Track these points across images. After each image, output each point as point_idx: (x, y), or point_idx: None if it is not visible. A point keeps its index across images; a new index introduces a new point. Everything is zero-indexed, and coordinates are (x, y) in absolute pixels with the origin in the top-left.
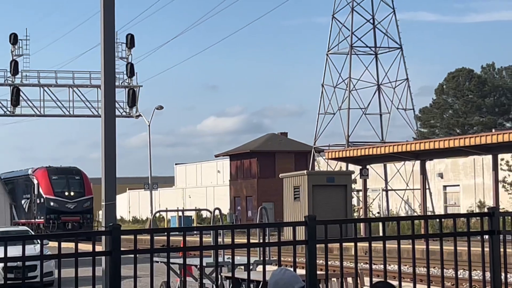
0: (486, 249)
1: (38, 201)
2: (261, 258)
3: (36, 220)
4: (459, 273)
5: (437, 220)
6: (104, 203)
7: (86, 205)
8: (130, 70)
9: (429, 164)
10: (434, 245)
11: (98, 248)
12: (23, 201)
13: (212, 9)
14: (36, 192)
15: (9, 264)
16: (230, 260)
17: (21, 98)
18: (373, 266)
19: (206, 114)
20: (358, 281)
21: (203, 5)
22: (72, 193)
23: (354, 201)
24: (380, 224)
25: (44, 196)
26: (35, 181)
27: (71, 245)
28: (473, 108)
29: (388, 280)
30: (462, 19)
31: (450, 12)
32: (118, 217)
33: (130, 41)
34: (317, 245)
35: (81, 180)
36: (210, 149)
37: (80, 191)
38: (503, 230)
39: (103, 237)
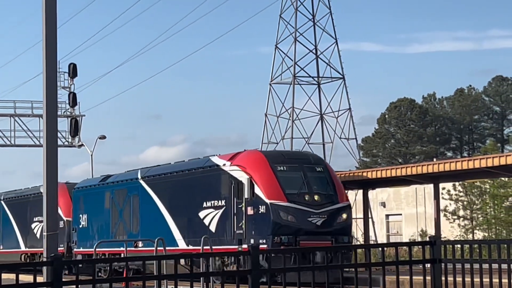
0: (428, 278)
1: (252, 211)
2: None
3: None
4: None
5: (379, 249)
6: (46, 233)
7: (341, 218)
8: (73, 100)
9: (371, 193)
10: (376, 275)
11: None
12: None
13: (155, 39)
14: (247, 195)
15: None
16: None
17: None
18: None
19: (148, 143)
20: None
21: (147, 35)
22: (316, 198)
23: None
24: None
25: (268, 201)
26: (244, 176)
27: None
28: (414, 137)
29: None
30: (405, 50)
31: (393, 43)
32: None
33: (73, 71)
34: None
35: (327, 174)
36: None
37: (329, 193)
38: (445, 258)
39: (44, 268)
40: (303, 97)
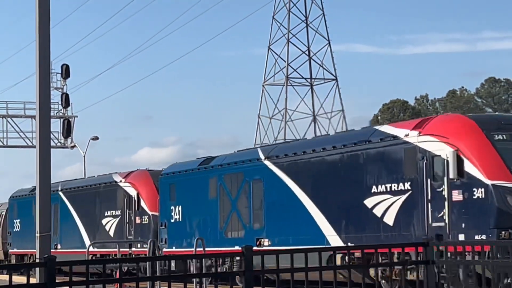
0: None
1: (460, 195)
2: None
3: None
4: None
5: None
6: (38, 234)
7: None
8: (65, 101)
9: None
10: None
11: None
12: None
13: (148, 40)
14: (454, 174)
15: None
16: None
17: None
18: None
19: (140, 144)
20: None
21: (139, 36)
22: None
23: None
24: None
25: (489, 182)
26: (444, 149)
27: None
28: None
29: None
30: (397, 51)
31: (386, 44)
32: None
33: (66, 71)
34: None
35: None
36: None
37: None
38: (437, 260)
39: (37, 269)
40: (296, 98)
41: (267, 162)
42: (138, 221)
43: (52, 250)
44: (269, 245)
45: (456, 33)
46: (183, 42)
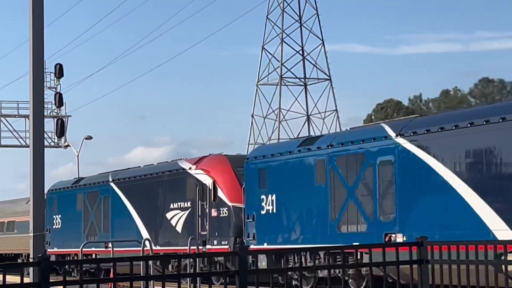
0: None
1: None
2: None
3: None
4: None
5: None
6: (32, 234)
7: None
8: (59, 100)
9: None
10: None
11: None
12: None
13: (142, 39)
14: None
15: None
16: None
17: None
18: None
19: (134, 144)
20: None
21: (133, 35)
22: None
23: None
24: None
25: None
26: None
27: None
28: None
29: None
30: (392, 51)
31: (380, 44)
32: None
33: (59, 71)
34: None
35: None
36: None
37: None
38: (432, 259)
39: (31, 269)
40: (289, 98)
41: (400, 140)
42: (214, 213)
43: (101, 249)
44: (403, 241)
45: (451, 33)
46: (177, 41)
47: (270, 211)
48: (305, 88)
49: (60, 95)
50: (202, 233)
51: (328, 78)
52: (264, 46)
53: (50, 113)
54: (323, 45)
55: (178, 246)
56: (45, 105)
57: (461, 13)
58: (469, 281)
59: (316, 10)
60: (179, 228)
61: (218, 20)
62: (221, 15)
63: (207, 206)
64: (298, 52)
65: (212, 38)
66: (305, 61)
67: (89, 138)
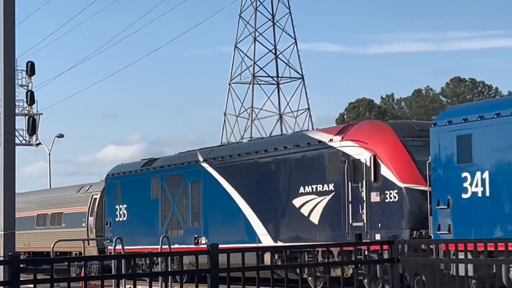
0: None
1: None
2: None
3: None
4: None
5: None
6: (3, 232)
7: None
8: (30, 98)
9: None
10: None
11: None
12: None
13: (114, 37)
14: None
15: None
16: None
17: None
18: None
19: (105, 142)
20: None
21: (105, 33)
22: None
23: None
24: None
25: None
26: None
27: None
28: None
29: None
30: (365, 50)
31: (353, 43)
32: None
33: (31, 69)
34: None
35: None
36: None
37: None
38: (403, 258)
39: (1, 268)
40: (262, 97)
41: (204, 164)
42: (375, 198)
43: (190, 247)
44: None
45: (423, 32)
46: (150, 40)
47: (481, 195)
48: (278, 87)
49: (32, 93)
50: (355, 224)
51: (301, 77)
52: (237, 45)
53: (21, 111)
54: (296, 44)
55: (314, 241)
56: (17, 103)
57: (434, 13)
58: (437, 278)
59: (289, 9)
60: (314, 219)
61: (191, 19)
62: (194, 14)
63: (363, 188)
64: (270, 51)
65: (185, 36)
66: (278, 60)
67: (61, 136)
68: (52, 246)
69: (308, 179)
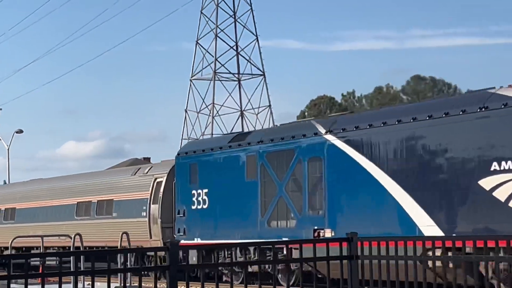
0: None
1: None
2: (122, 284)
3: None
4: None
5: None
6: None
7: None
8: None
9: None
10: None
11: None
12: None
13: (75, 32)
14: None
15: None
16: (90, 287)
17: None
18: None
19: (65, 138)
20: None
21: (66, 28)
22: None
23: None
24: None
25: None
26: None
27: None
28: None
29: None
30: (327, 48)
31: (315, 41)
32: None
33: None
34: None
35: None
36: (70, 174)
37: None
38: (362, 255)
39: None
40: (223, 93)
41: (329, 137)
42: None
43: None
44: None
45: (385, 30)
46: (111, 35)
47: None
48: (239, 83)
49: None
50: None
51: (262, 73)
52: (198, 41)
53: None
54: (257, 40)
55: None
56: None
57: (396, 11)
58: (398, 276)
59: (251, 6)
60: None
61: (152, 15)
62: (155, 10)
63: None
64: (232, 47)
65: (146, 32)
66: (239, 56)
67: (20, 131)
68: (10, 243)
69: (505, 152)
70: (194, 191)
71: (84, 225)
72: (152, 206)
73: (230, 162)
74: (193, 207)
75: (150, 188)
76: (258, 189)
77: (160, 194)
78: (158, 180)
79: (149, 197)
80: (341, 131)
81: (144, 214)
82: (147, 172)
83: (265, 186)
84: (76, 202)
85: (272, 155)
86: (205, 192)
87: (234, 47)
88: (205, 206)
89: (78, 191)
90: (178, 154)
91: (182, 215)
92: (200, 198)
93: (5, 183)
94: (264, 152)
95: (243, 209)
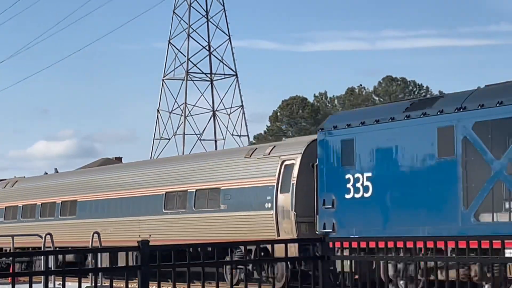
0: None
1: None
2: (93, 284)
3: None
4: None
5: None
6: None
7: None
8: None
9: None
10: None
11: None
12: None
13: (46, 31)
14: None
15: None
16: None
17: None
18: None
19: (36, 137)
20: None
21: (36, 26)
22: None
23: None
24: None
25: None
26: None
27: None
28: (306, 135)
29: None
30: (299, 48)
31: (288, 41)
32: None
33: None
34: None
35: None
36: (41, 173)
37: None
38: (334, 255)
39: None
40: (195, 94)
41: None
42: None
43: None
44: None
45: (357, 31)
46: (82, 34)
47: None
48: (211, 83)
49: None
50: None
51: (234, 74)
52: (171, 41)
53: None
54: (230, 41)
55: None
56: None
57: (368, 12)
58: (369, 277)
59: (223, 6)
60: None
61: (124, 14)
62: (127, 9)
63: None
64: (204, 47)
65: (118, 31)
66: (212, 56)
67: None
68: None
69: None
70: (348, 176)
71: (176, 220)
72: (280, 195)
73: (408, 137)
74: (348, 196)
75: (277, 173)
76: (459, 171)
77: (293, 181)
78: (287, 162)
79: (275, 184)
80: None
81: (268, 206)
82: (269, 153)
83: (470, 166)
84: (164, 192)
85: (482, 126)
86: (366, 177)
87: (207, 47)
88: (366, 195)
89: (167, 179)
90: (321, 129)
91: (330, 207)
92: (358, 184)
93: (56, 171)
94: (468, 122)
95: (431, 197)
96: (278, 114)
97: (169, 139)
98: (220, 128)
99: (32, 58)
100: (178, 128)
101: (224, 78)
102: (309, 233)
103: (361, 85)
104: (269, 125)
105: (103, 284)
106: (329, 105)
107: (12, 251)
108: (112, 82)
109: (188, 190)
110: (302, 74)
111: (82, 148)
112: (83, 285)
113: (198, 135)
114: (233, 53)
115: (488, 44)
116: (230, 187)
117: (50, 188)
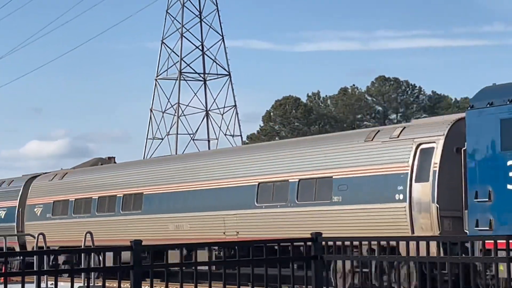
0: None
1: None
2: (85, 284)
3: None
4: None
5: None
6: None
7: None
8: None
9: None
10: (259, 271)
11: None
12: None
13: (40, 30)
14: None
15: None
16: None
17: None
18: None
19: (29, 137)
20: None
21: (30, 26)
22: None
23: None
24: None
25: None
26: None
27: None
28: (299, 135)
29: None
30: (293, 48)
31: (281, 41)
32: None
33: None
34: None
35: None
36: (34, 173)
37: None
38: (326, 255)
39: None
40: (189, 93)
41: None
42: None
43: None
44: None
45: (351, 31)
46: (76, 34)
47: None
48: (205, 83)
49: None
50: None
51: (228, 73)
52: (164, 41)
53: None
54: (223, 40)
55: None
56: None
57: (362, 12)
58: (360, 276)
59: (216, 6)
60: None
61: (118, 14)
62: (121, 8)
63: None
64: (197, 47)
65: (111, 31)
66: (205, 56)
67: None
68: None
69: None
70: (511, 162)
71: (272, 215)
72: (415, 185)
73: None
74: (510, 187)
75: (410, 159)
76: None
77: (435, 167)
78: (424, 146)
79: (408, 171)
80: None
81: (400, 197)
82: (398, 136)
83: None
84: (256, 183)
85: None
86: None
87: (200, 47)
88: None
89: (261, 167)
90: (471, 106)
91: (486, 199)
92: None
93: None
94: None
95: None
96: (271, 114)
97: (162, 139)
98: (213, 128)
99: (25, 58)
100: (171, 128)
101: (217, 78)
102: (453, 231)
103: (354, 85)
104: (262, 125)
105: (95, 284)
106: (322, 105)
107: (5, 250)
108: (105, 82)
109: (290, 180)
110: (295, 74)
111: (75, 148)
112: (76, 285)
113: (191, 135)
114: (226, 53)
115: (481, 44)
116: (345, 175)
117: (108, 180)
